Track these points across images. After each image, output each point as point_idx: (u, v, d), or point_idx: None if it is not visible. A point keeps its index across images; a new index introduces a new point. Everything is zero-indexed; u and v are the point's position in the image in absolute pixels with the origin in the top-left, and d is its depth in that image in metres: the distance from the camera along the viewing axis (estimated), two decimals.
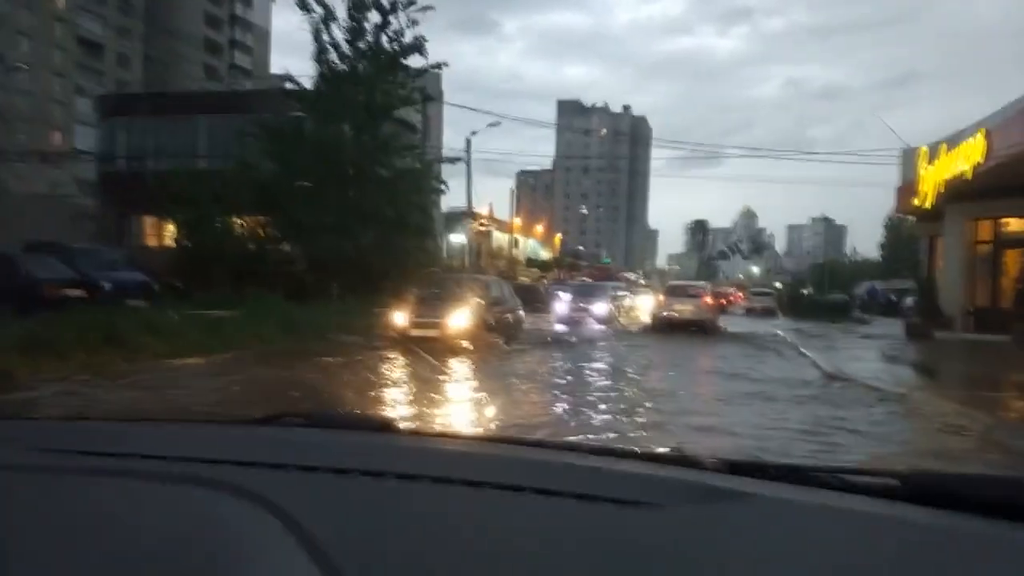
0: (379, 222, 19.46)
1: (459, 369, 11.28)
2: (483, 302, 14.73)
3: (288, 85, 21.93)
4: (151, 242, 29.76)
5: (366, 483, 1.02)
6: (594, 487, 0.98)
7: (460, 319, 13.72)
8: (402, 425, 1.55)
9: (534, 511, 0.94)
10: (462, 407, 8.32)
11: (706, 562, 0.83)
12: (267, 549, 0.82)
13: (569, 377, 10.93)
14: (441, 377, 10.16)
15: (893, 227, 75.74)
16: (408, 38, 20.65)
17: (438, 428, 6.53)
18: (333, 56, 20.47)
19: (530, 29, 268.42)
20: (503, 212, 55.59)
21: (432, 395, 8.82)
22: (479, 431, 6.66)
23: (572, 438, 6.53)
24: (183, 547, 0.84)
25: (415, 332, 13.38)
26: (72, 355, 9.26)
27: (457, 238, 44.27)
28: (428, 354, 11.87)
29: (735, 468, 1.12)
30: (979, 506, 0.93)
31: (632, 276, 31.28)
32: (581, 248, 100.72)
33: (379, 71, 20.47)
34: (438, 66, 21.02)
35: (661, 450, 1.35)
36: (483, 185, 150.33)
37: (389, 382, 9.88)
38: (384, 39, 20.59)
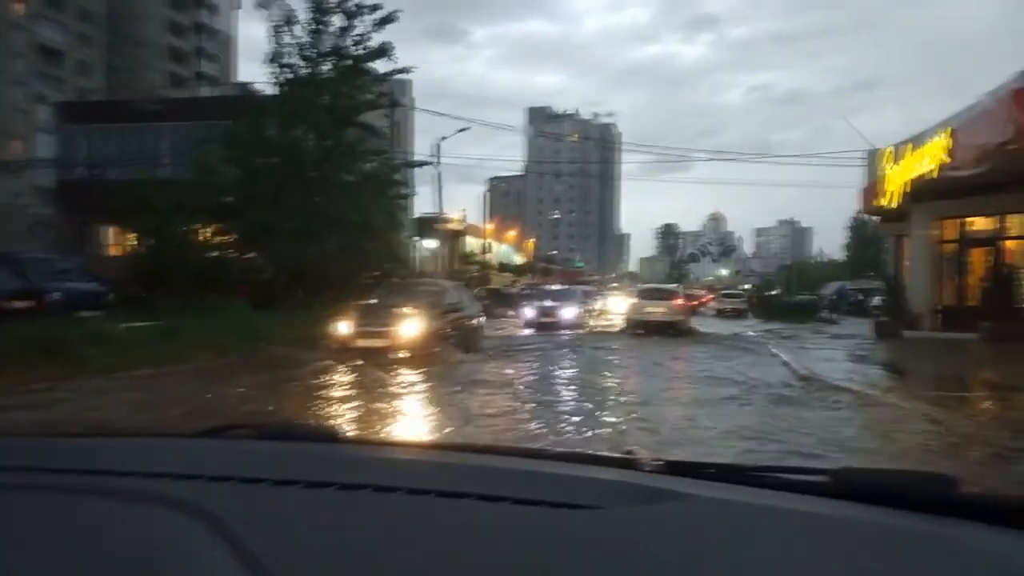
0: (344, 227, 19.01)
1: (402, 384, 10.18)
2: (437, 309, 13.89)
3: (256, 89, 21.48)
4: (114, 251, 29.28)
5: (309, 494, 1.01)
6: (535, 491, 0.98)
7: (410, 328, 12.77)
8: (349, 435, 1.59)
9: (476, 517, 0.94)
10: (398, 427, 7.62)
11: (642, 562, 0.84)
12: (205, 562, 0.81)
13: (527, 391, 9.91)
14: (379, 394, 9.34)
15: (857, 228, 76.93)
16: (374, 42, 20.30)
17: (384, 437, 6.19)
18: (295, 59, 20.07)
19: (500, 38, 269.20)
20: (477, 218, 55.64)
21: (366, 414, 8.09)
22: (425, 439, 6.38)
23: (516, 444, 6.32)
24: (120, 561, 0.83)
25: (361, 343, 12.51)
26: (8, 369, 8.75)
27: (429, 243, 44.07)
28: (373, 366, 11.17)
29: (674, 469, 1.15)
30: (908, 501, 0.97)
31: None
32: (555, 252, 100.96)
33: (343, 75, 20.09)
34: (404, 70, 20.67)
35: (603, 453, 1.38)
36: (457, 191, 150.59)
37: (327, 397, 9.12)
38: (348, 42, 20.23)
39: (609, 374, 12.13)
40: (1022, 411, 8.63)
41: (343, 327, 12.94)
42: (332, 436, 1.47)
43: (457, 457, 1.31)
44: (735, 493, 1.03)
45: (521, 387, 10.33)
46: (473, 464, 1.21)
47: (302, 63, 20.06)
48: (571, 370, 12.52)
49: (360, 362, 11.64)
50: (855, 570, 0.84)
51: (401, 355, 12.25)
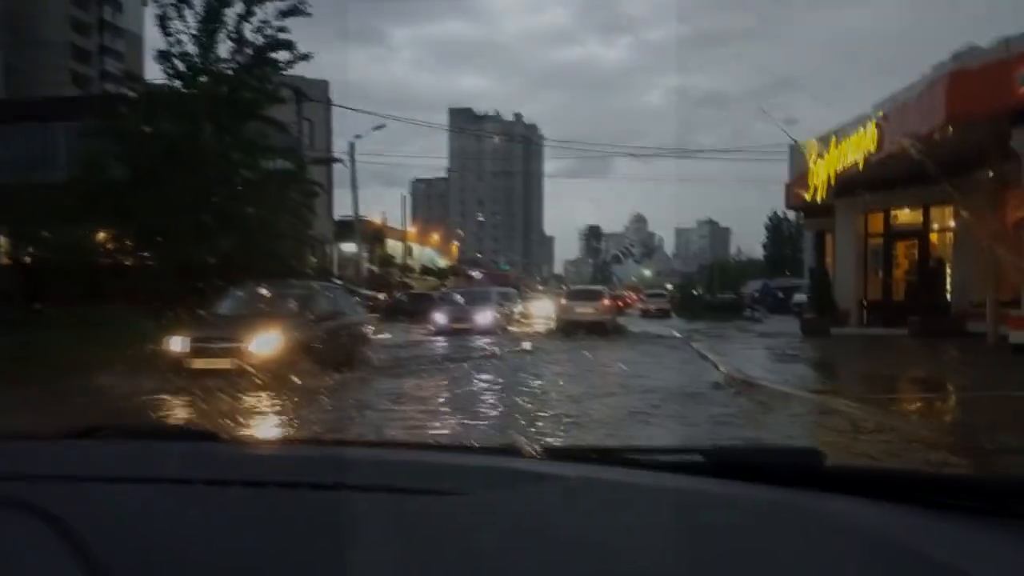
0: (240, 226, 17.55)
1: (241, 423, 7.60)
2: (304, 317, 11.64)
3: (152, 83, 19.78)
4: (7, 260, 27.15)
5: (170, 491, 0.98)
6: (407, 480, 0.99)
7: (264, 342, 10.24)
8: (223, 433, 1.47)
9: (346, 507, 0.93)
10: None
11: (505, 542, 0.84)
12: (42, 567, 0.79)
13: (398, 425, 7.68)
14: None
15: (774, 227, 78.89)
16: (280, 34, 18.90)
17: (261, 435, 5.51)
18: (188, 46, 18.49)
19: (419, 40, 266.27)
20: (400, 221, 54.56)
21: None
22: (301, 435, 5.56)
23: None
24: None
25: (199, 364, 10.00)
26: None
27: (348, 246, 42.73)
28: (199, 397, 8.59)
29: (554, 454, 1.17)
30: (778, 476, 0.98)
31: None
32: (479, 255, 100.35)
33: (242, 64, 18.65)
34: (305, 57, 19.30)
35: (483, 443, 1.48)
36: (382, 194, 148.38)
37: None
38: (247, 30, 18.77)
39: (517, 389, 10.21)
40: (957, 411, 8.61)
41: (176, 343, 10.42)
42: (204, 434, 1.39)
43: (332, 451, 1.29)
44: (608, 473, 1.03)
45: (393, 419, 8.05)
46: (348, 457, 1.19)
47: (195, 51, 18.48)
48: (473, 386, 10.59)
49: (186, 392, 8.92)
50: (721, 542, 0.84)
51: (248, 378, 9.49)
